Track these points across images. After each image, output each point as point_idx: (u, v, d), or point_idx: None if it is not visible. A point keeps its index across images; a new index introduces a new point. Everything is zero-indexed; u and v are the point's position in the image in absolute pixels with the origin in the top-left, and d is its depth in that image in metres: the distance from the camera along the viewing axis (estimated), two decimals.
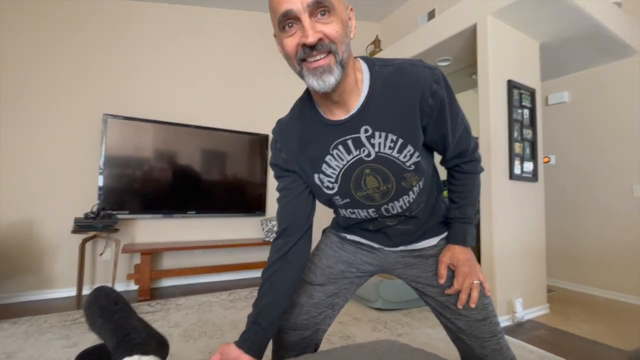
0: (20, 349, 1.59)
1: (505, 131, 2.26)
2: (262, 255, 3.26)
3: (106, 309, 0.66)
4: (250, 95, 3.33)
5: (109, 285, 2.50)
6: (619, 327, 2.16)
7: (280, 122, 0.80)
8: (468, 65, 2.96)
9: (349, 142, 0.69)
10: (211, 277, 3.02)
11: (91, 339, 1.73)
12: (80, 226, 2.22)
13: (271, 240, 3.02)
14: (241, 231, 3.20)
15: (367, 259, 0.90)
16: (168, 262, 2.84)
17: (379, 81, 0.67)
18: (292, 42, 0.59)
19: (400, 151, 0.68)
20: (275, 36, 0.66)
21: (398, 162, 0.69)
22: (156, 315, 2.08)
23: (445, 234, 0.88)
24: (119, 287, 2.62)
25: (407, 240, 0.86)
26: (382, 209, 0.77)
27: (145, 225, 2.76)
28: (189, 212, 2.88)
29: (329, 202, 0.80)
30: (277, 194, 0.81)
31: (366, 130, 0.67)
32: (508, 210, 2.21)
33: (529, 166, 2.38)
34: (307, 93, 0.74)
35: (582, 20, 2.22)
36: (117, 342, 0.62)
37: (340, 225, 0.92)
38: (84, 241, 2.34)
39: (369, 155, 0.69)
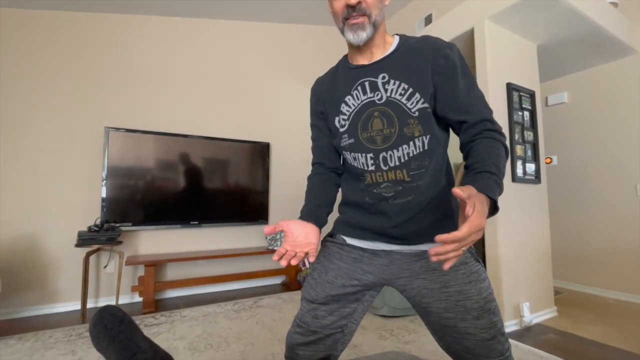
0: None
1: (507, 133, 2.26)
2: (266, 263, 3.25)
3: (112, 329, 0.66)
4: (251, 104, 3.35)
5: (113, 298, 2.50)
6: (629, 329, 2.13)
7: (317, 79, 0.98)
8: None
9: (366, 84, 0.82)
10: (215, 287, 3.01)
11: (97, 354, 1.72)
12: (84, 240, 2.23)
13: (274, 248, 3.02)
14: (244, 240, 3.20)
15: (368, 268, 0.85)
16: (172, 273, 2.83)
17: (405, 45, 0.82)
18: (339, 3, 0.78)
19: (408, 98, 0.78)
20: None
21: (405, 107, 0.78)
22: (161, 328, 2.07)
23: None
24: (123, 300, 2.61)
25: (411, 228, 0.79)
26: (381, 156, 0.80)
27: (148, 237, 2.76)
28: (191, 222, 2.88)
29: (338, 143, 0.89)
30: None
31: (383, 77, 0.80)
32: (512, 213, 2.20)
33: (531, 167, 2.37)
34: (345, 57, 0.92)
35: (578, 21, 2.23)
36: None
37: (339, 221, 0.91)
38: (88, 254, 2.34)
39: (380, 99, 0.80)
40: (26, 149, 2.39)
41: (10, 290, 2.27)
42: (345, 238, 0.90)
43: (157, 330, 2.04)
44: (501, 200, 2.14)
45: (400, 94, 0.78)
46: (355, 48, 0.83)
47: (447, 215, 0.81)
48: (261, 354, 1.70)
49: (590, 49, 2.65)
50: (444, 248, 0.55)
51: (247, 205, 3.18)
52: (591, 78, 3.06)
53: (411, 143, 0.78)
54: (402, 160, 0.78)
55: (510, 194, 2.21)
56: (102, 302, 2.51)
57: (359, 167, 0.84)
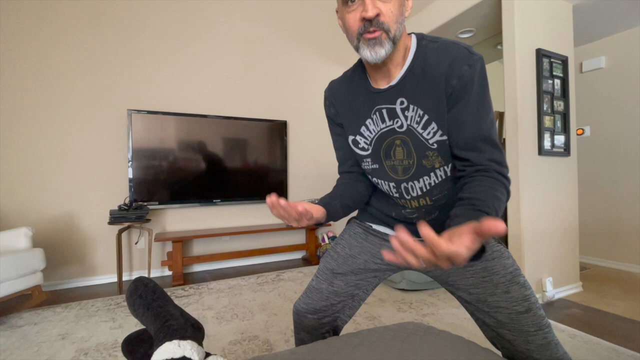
0: (73, 331, 1.75)
1: (534, 104, 2.14)
2: (286, 239, 3.34)
3: (146, 298, 0.71)
4: (268, 82, 3.33)
5: (145, 272, 2.67)
6: None
7: (332, 82, 0.88)
8: (493, 35, 2.79)
9: (384, 112, 0.74)
10: (239, 261, 3.14)
11: (134, 321, 1.87)
12: (115, 218, 2.36)
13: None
14: (265, 217, 3.29)
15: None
16: (198, 248, 2.98)
17: (421, 57, 0.70)
18: (353, 17, 0.66)
19: (424, 127, 0.71)
20: (337, 11, 0.74)
21: (422, 138, 0.72)
22: (190, 299, 2.21)
23: None
24: (155, 273, 2.79)
25: (437, 230, 0.82)
26: (402, 187, 0.78)
27: (174, 215, 2.89)
28: (214, 201, 2.98)
29: (360, 162, 0.85)
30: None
31: (402, 102, 0.72)
32: (537, 187, 2.13)
33: (560, 140, 2.25)
34: (361, 62, 0.80)
35: None
36: (157, 328, 0.67)
37: (367, 211, 0.92)
38: (120, 232, 2.49)
39: (401, 126, 0.73)
40: (57, 134, 2.51)
41: (54, 265, 2.47)
42: (371, 224, 0.92)
43: (186, 301, 2.18)
44: (525, 174, 2.07)
45: (417, 122, 0.71)
46: (373, 65, 0.71)
47: None
48: (284, 324, 1.79)
49: (632, 6, 2.40)
50: (409, 245, 0.46)
51: (266, 183, 3.24)
52: (632, 40, 2.80)
53: (432, 174, 0.75)
54: (424, 190, 0.78)
55: (536, 167, 2.13)
56: (136, 275, 2.69)
57: (383, 190, 0.84)
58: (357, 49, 0.69)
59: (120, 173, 2.69)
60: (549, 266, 2.16)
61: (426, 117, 0.70)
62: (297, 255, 3.42)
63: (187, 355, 0.61)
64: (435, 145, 0.71)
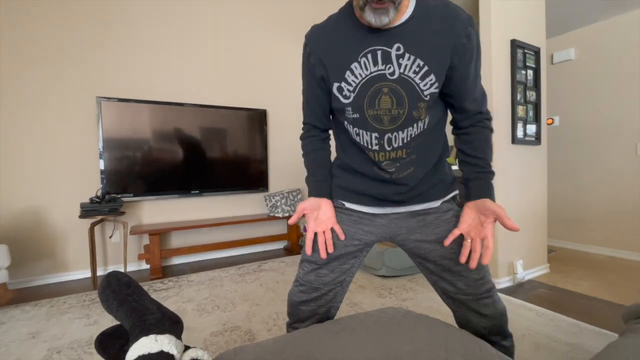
0: (44, 329, 1.68)
1: (508, 94, 2.21)
2: (267, 229, 3.32)
3: (119, 293, 0.68)
4: (247, 70, 3.24)
5: (121, 266, 2.59)
6: (617, 283, 2.23)
7: (314, 26, 0.84)
8: None
9: (379, 54, 0.72)
10: (220, 253, 3.10)
11: (110, 317, 1.81)
12: (87, 211, 2.26)
13: (275, 215, 3.07)
14: (245, 208, 3.25)
15: (369, 229, 0.89)
16: (176, 240, 2.91)
17: (423, 9, 0.72)
18: None
19: (422, 78, 0.72)
20: None
21: (417, 88, 0.73)
22: (169, 292, 2.17)
23: (448, 197, 0.86)
24: (131, 267, 2.70)
25: (411, 194, 0.84)
26: (386, 137, 0.77)
27: (150, 207, 2.80)
28: (192, 192, 2.91)
29: (341, 112, 0.82)
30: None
31: (398, 48, 0.71)
32: (511, 174, 2.21)
33: (532, 129, 2.34)
34: (349, 6, 0.77)
35: None
36: (133, 323, 0.65)
37: (337, 186, 0.91)
38: (93, 225, 2.39)
39: (392, 73, 0.72)
40: (22, 123, 2.35)
41: (20, 261, 2.35)
42: (344, 202, 0.91)
43: (165, 294, 2.14)
44: (499, 162, 2.14)
45: (415, 72, 0.71)
46: None
47: (442, 181, 0.87)
48: (266, 313, 1.80)
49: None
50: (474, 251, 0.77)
51: (246, 173, 3.19)
52: (600, 32, 2.93)
53: (415, 125, 0.77)
54: (405, 142, 0.78)
55: (509, 155, 2.21)
56: (111, 270, 2.60)
57: (362, 143, 0.81)
58: (360, 8, 0.68)
59: (91, 164, 2.56)
60: (519, 249, 2.27)
61: (426, 68, 0.71)
62: (279, 245, 3.42)
63: (165, 350, 0.60)
64: (428, 97, 0.74)
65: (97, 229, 2.56)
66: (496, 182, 2.12)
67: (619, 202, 2.86)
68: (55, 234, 2.46)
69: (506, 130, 2.19)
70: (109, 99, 2.53)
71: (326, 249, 0.85)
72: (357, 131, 0.80)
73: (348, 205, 0.90)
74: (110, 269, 2.64)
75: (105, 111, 2.52)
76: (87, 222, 2.51)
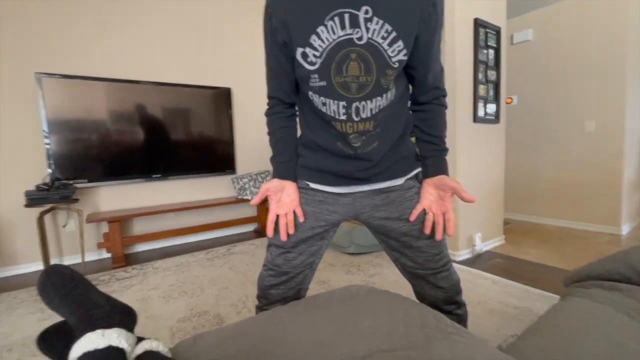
0: None
1: (471, 73, 2.26)
2: (237, 212, 3.26)
3: (61, 287, 0.63)
4: (209, 46, 3.04)
5: (78, 257, 2.44)
6: (563, 250, 2.45)
7: None
8: None
9: (346, 17, 0.68)
10: (188, 238, 3.02)
11: None
12: (33, 199, 2.08)
13: (244, 197, 3.01)
14: (212, 191, 3.15)
15: (333, 208, 0.88)
16: (140, 227, 2.78)
17: None
18: None
19: (390, 44, 0.70)
20: None
21: (385, 54, 0.71)
22: (133, 280, 2.08)
23: (411, 174, 0.88)
24: (91, 257, 2.56)
25: (375, 170, 0.84)
26: (354, 106, 0.74)
27: (108, 193, 2.63)
28: (154, 176, 2.76)
29: (305, 81, 0.77)
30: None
31: (366, 12, 0.68)
32: (471, 152, 2.30)
33: (492, 108, 2.43)
34: None
35: None
36: (78, 319, 0.61)
37: (301, 166, 0.89)
38: (42, 214, 2.21)
39: (360, 38, 0.69)
40: None
41: None
42: (308, 183, 0.90)
43: (129, 282, 2.06)
44: (461, 140, 2.21)
45: (383, 37, 0.69)
46: None
47: (405, 157, 0.87)
48: (235, 296, 1.79)
49: None
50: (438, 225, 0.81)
51: (212, 155, 3.07)
52: (557, 14, 3.04)
53: (384, 95, 0.75)
54: (373, 113, 0.76)
55: (470, 134, 2.29)
56: (67, 261, 2.45)
57: (329, 114, 0.77)
58: None
59: (35, 148, 2.34)
60: (478, 223, 2.40)
61: (394, 34, 0.69)
62: (249, 228, 3.38)
63: (114, 344, 0.56)
64: (397, 65, 0.72)
65: (48, 218, 2.38)
66: (457, 159, 2.20)
67: (567, 177, 3.10)
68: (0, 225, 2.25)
69: (468, 109, 2.26)
70: (50, 75, 2.29)
71: (287, 231, 0.84)
72: (324, 100, 0.76)
73: (312, 185, 0.89)
74: (67, 259, 2.48)
75: (47, 89, 2.28)
76: (36, 211, 2.32)
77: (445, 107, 0.85)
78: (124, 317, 0.65)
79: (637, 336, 0.64)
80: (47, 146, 2.30)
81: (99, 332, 0.57)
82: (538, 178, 3.31)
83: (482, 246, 2.39)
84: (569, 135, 3.05)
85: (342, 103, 0.74)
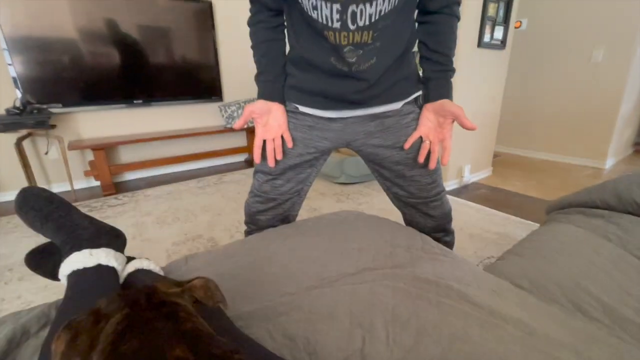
0: None
1: None
2: (226, 142, 3.19)
3: (41, 210, 0.61)
4: None
5: (67, 184, 2.42)
6: (547, 182, 2.53)
7: None
8: None
9: None
10: (176, 167, 2.99)
11: None
12: (6, 124, 1.95)
13: (232, 126, 2.91)
14: (200, 119, 3.02)
15: (324, 134, 0.83)
16: (127, 155, 2.71)
17: None
18: None
19: None
20: None
21: None
22: (126, 207, 2.11)
23: (410, 98, 0.81)
24: (80, 185, 2.54)
25: (372, 92, 0.76)
26: (350, 11, 0.65)
27: (88, 119, 2.50)
28: (135, 102, 2.60)
29: None
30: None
31: None
32: (471, 79, 2.19)
33: (499, 33, 2.24)
34: None
35: None
36: (63, 240, 0.60)
37: (290, 87, 0.81)
38: (20, 140, 2.11)
39: None
40: None
41: None
42: (297, 106, 0.83)
43: (122, 209, 2.08)
44: (463, 66, 2.08)
45: None
46: None
47: (406, 77, 0.78)
48: (228, 222, 1.84)
49: None
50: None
51: (197, 80, 2.87)
52: None
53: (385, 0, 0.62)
54: (372, 20, 0.65)
55: (472, 60, 2.14)
56: (55, 188, 2.43)
57: (320, 20, 0.67)
58: None
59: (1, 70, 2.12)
60: (468, 154, 2.41)
61: None
62: (239, 158, 3.35)
63: (103, 263, 0.56)
64: None
65: (27, 144, 2.28)
66: (456, 86, 2.09)
67: (562, 111, 3.04)
68: None
69: (474, 32, 2.07)
70: None
71: (275, 157, 0.80)
72: (315, 3, 0.65)
73: (302, 109, 0.82)
74: (55, 187, 2.46)
75: (2, 2, 1.97)
76: (13, 137, 2.20)
77: (458, 17, 0.75)
78: (112, 239, 0.64)
79: (612, 257, 0.67)
80: (10, 66, 2.09)
81: (85, 251, 0.56)
82: (536, 109, 3.24)
83: (470, 177, 2.45)
84: (574, 64, 2.90)
85: (336, 6, 0.63)
